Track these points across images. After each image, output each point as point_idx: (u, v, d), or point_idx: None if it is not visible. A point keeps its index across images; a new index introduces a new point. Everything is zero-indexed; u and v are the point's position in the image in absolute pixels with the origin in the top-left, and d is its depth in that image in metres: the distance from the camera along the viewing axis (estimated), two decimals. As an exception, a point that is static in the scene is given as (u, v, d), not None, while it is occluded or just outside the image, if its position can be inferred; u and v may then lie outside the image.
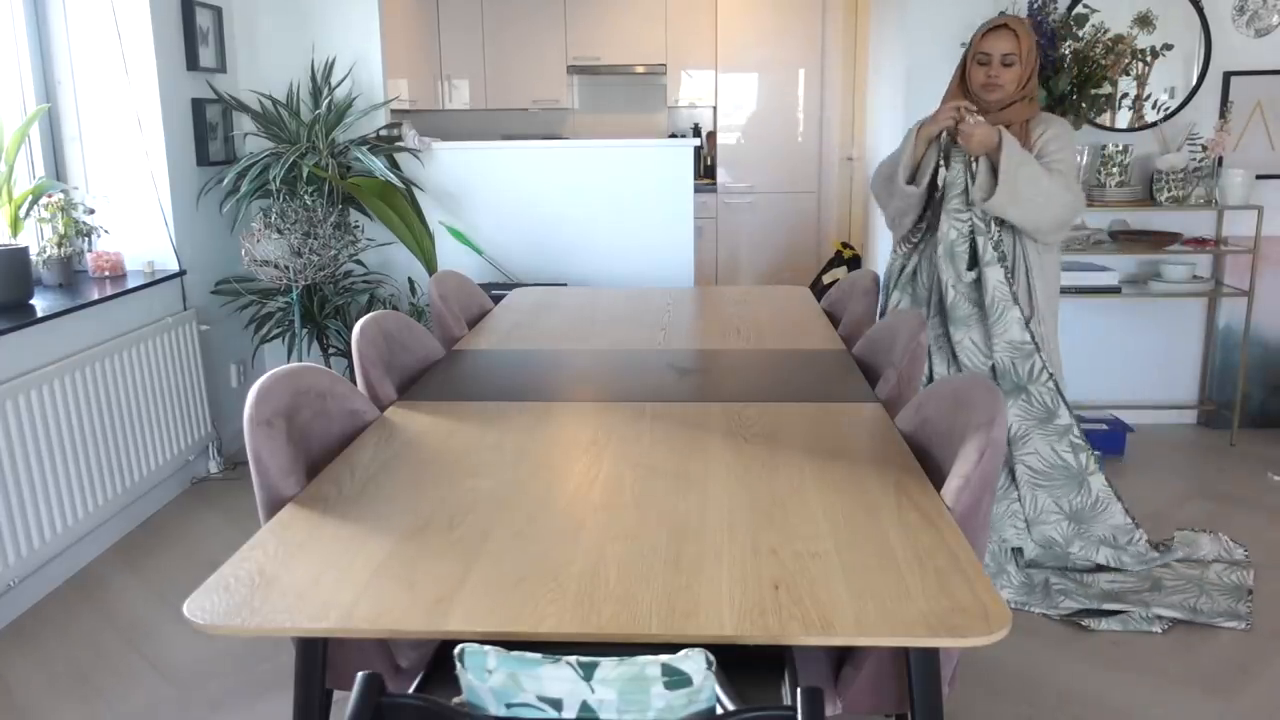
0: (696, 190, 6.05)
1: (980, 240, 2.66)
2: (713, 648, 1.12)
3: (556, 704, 1.10)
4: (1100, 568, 2.80)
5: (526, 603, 1.26)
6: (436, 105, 6.36)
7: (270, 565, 1.37)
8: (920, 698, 1.36)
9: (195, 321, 3.65)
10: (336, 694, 1.63)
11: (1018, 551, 2.82)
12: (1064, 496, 2.77)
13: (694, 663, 1.08)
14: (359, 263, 4.18)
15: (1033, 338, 2.67)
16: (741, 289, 3.55)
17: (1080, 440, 2.73)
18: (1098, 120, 3.96)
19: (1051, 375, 2.69)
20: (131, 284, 3.32)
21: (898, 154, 2.82)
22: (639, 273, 4.25)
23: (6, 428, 2.66)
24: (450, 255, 4.24)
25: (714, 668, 1.09)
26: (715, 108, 6.37)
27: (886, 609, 1.23)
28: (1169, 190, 3.87)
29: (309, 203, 3.74)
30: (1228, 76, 3.95)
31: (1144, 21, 3.90)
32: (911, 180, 2.77)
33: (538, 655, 1.08)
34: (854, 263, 5.62)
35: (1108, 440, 3.90)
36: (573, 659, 1.07)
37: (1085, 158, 3.97)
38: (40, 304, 2.95)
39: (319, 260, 3.63)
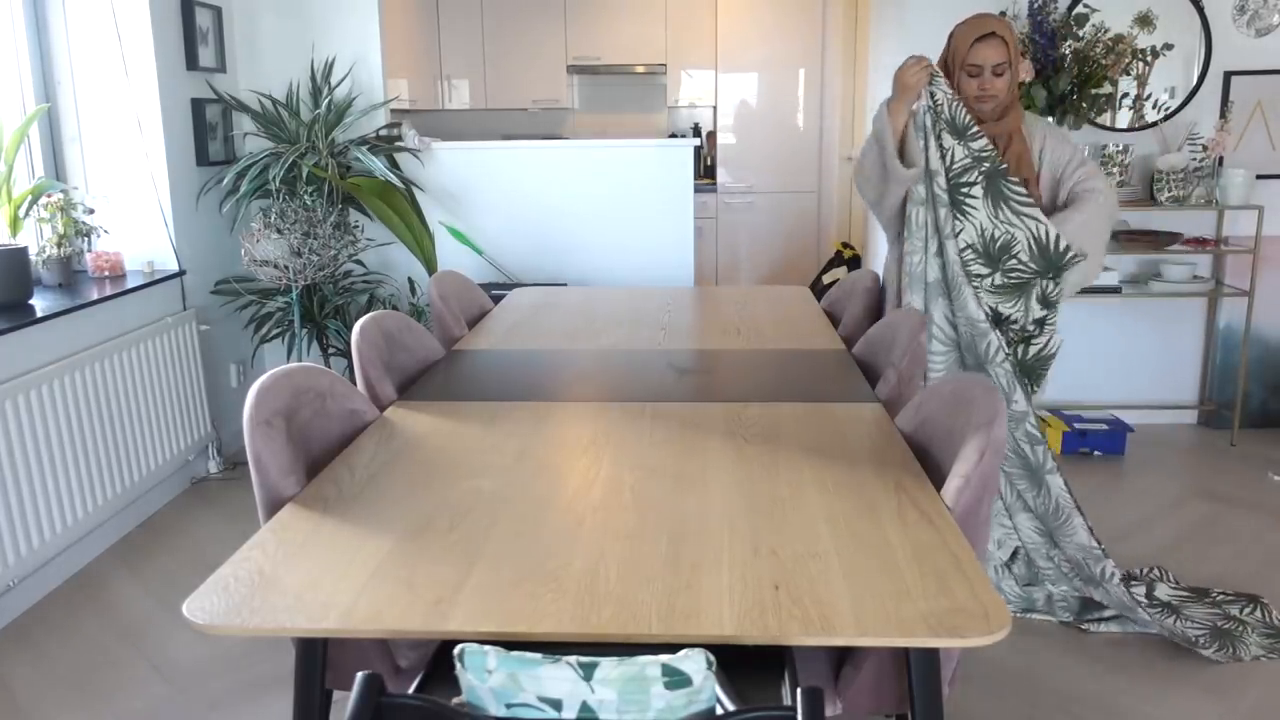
0: (696, 190, 6.05)
1: (942, 212, 2.58)
2: (713, 648, 1.12)
3: (556, 704, 1.10)
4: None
5: (526, 603, 1.26)
6: (436, 105, 6.36)
7: (270, 565, 1.37)
8: (920, 698, 1.36)
9: (195, 321, 3.65)
10: (336, 694, 1.63)
11: (1010, 563, 2.79)
12: (1025, 491, 2.72)
13: (694, 663, 1.08)
14: (359, 263, 4.18)
15: (987, 316, 2.60)
16: (741, 289, 3.55)
17: (1037, 434, 2.64)
18: (1098, 120, 3.96)
19: (1009, 357, 2.61)
20: (131, 284, 3.32)
21: (875, 139, 2.66)
22: (639, 273, 4.25)
23: (6, 428, 2.66)
24: (450, 255, 4.24)
25: (714, 668, 1.09)
26: (715, 108, 6.37)
27: (886, 609, 1.23)
28: (1169, 190, 3.87)
29: (309, 203, 3.75)
30: (1228, 76, 3.95)
31: (1144, 21, 3.90)
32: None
33: (538, 655, 1.08)
34: (854, 263, 5.62)
35: (1108, 440, 3.90)
36: (573, 659, 1.07)
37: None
38: (40, 304, 2.95)
39: (319, 260, 3.63)
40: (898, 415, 1.97)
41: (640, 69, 6.44)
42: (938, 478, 1.67)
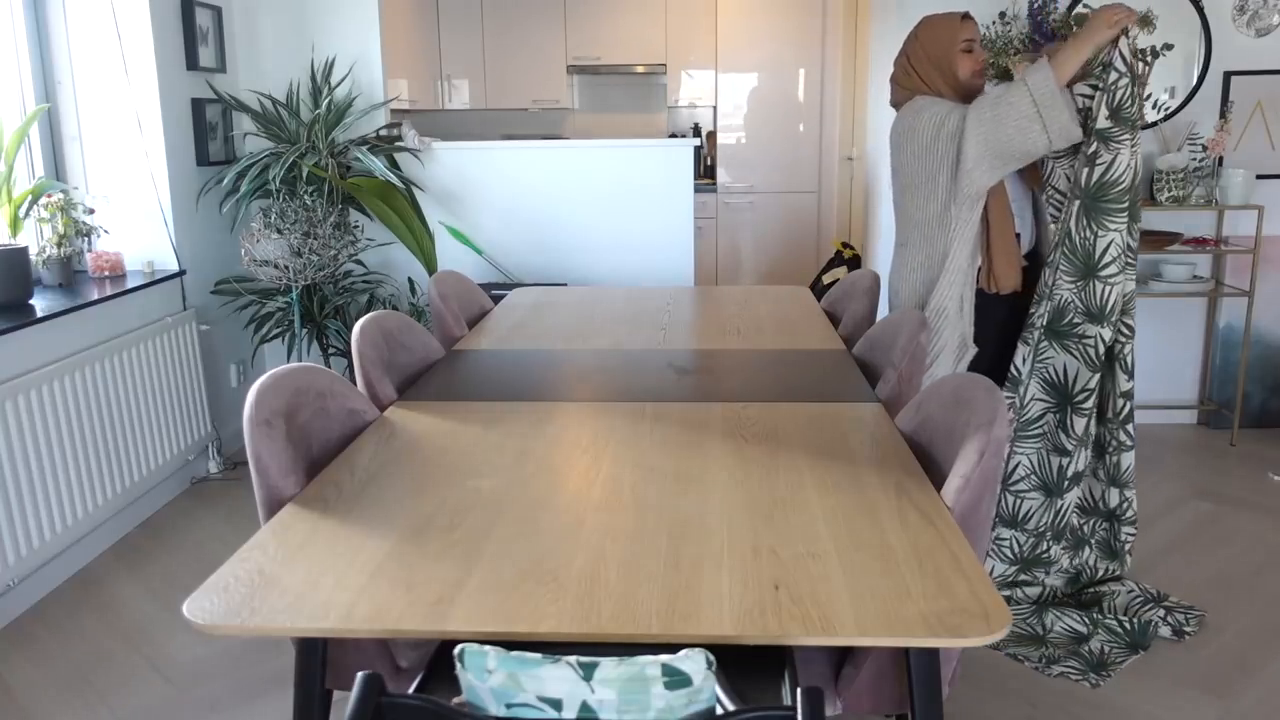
0: (696, 190, 6.05)
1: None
2: (713, 648, 1.12)
3: (556, 704, 1.10)
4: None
5: (526, 603, 1.26)
6: (436, 105, 6.36)
7: (270, 565, 1.37)
8: (920, 698, 1.36)
9: (195, 321, 3.65)
10: (336, 694, 1.63)
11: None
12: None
13: (694, 663, 1.08)
14: (359, 263, 4.18)
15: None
16: (741, 289, 3.55)
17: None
18: (1098, 120, 3.96)
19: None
20: (131, 284, 3.32)
21: (1029, 84, 2.40)
22: (639, 273, 4.25)
23: (6, 428, 2.66)
24: (450, 255, 4.24)
25: (714, 668, 1.09)
26: (715, 108, 6.37)
27: (886, 609, 1.23)
28: (1169, 190, 3.87)
29: (309, 203, 3.75)
30: (1228, 76, 3.95)
31: (1144, 21, 3.88)
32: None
33: (538, 655, 1.08)
34: (854, 263, 5.62)
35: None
36: (573, 659, 1.07)
37: (1085, 158, 3.97)
38: (40, 304, 2.95)
39: (319, 260, 3.63)
40: (898, 415, 1.97)
41: (640, 69, 6.44)
42: (938, 478, 1.67)
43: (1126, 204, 2.47)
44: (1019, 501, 2.67)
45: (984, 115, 2.45)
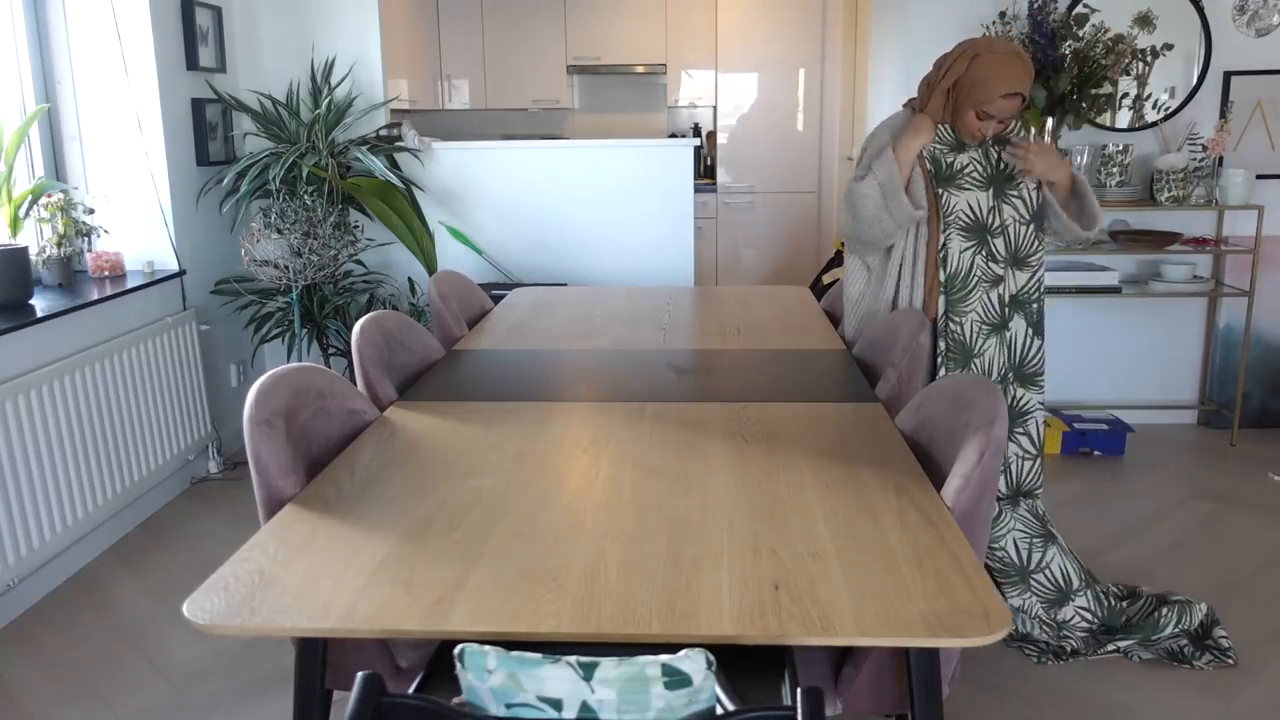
0: (696, 190, 6.05)
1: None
2: (713, 648, 1.12)
3: (556, 704, 1.10)
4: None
5: (526, 603, 1.26)
6: (436, 105, 6.36)
7: (270, 565, 1.37)
8: (920, 698, 1.36)
9: (195, 321, 3.65)
10: (336, 694, 1.63)
11: None
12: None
13: (694, 663, 1.08)
14: (359, 263, 4.18)
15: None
16: (741, 289, 3.55)
17: None
18: (1098, 120, 3.96)
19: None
20: (131, 284, 3.32)
21: (885, 176, 2.40)
22: (639, 273, 4.25)
23: (6, 428, 2.66)
24: (450, 255, 4.24)
25: (714, 668, 1.09)
26: (715, 107, 6.37)
27: (886, 609, 1.23)
28: (1169, 190, 3.88)
29: (309, 203, 3.75)
30: (1228, 76, 3.95)
31: (1144, 21, 3.91)
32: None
33: (538, 655, 1.08)
34: (854, 263, 5.62)
35: (1108, 440, 3.90)
36: (573, 659, 1.07)
37: (1086, 158, 3.97)
38: (40, 304, 2.95)
39: (319, 260, 3.63)
40: (898, 415, 1.97)
41: (640, 69, 6.44)
42: (938, 478, 1.67)
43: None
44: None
45: (848, 201, 2.48)
